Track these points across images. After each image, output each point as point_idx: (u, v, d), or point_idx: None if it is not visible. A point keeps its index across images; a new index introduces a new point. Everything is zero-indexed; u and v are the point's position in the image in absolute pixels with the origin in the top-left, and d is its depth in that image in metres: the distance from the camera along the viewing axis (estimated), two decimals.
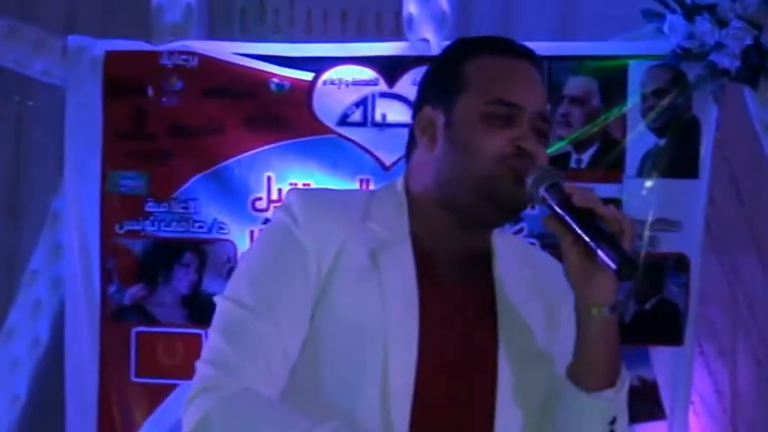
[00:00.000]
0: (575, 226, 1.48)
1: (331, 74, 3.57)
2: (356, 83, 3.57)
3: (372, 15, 3.69)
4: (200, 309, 3.56)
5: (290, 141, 3.57)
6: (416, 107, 1.70)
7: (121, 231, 3.61)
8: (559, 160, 3.40)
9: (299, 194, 1.64)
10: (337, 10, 3.71)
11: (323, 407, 1.55)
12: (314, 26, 3.73)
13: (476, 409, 1.60)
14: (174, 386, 3.55)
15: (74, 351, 3.57)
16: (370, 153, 3.56)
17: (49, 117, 3.69)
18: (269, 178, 3.60)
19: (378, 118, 3.55)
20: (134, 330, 3.58)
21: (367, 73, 3.55)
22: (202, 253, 3.61)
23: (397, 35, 3.59)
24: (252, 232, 3.60)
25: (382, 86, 3.56)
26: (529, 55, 1.65)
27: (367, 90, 3.56)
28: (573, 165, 3.47)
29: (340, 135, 3.57)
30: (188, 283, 3.62)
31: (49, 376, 3.54)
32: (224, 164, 3.59)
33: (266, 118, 3.57)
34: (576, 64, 3.48)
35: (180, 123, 3.65)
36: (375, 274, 1.57)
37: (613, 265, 1.44)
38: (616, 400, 1.55)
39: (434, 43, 3.52)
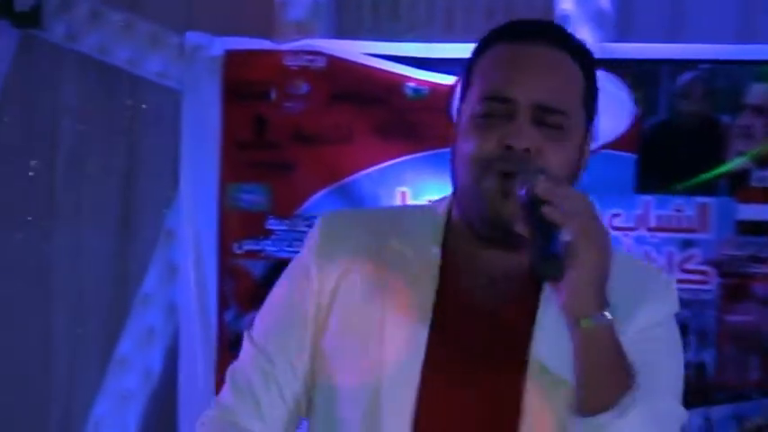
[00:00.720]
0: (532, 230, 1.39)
1: None
2: None
3: (522, 13, 3.42)
4: None
5: (426, 153, 3.42)
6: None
7: (240, 251, 3.55)
8: (738, 178, 3.19)
9: (323, 219, 1.61)
10: (482, 7, 3.54)
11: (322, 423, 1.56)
12: (455, 24, 3.57)
13: None
14: None
15: (188, 384, 3.51)
16: None
17: (164, 123, 3.64)
18: (403, 194, 3.47)
19: None
20: None
21: None
22: None
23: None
24: None
25: None
26: (543, 34, 1.51)
27: None
28: (755, 183, 3.22)
29: None
30: None
31: (161, 410, 3.50)
32: (352, 177, 3.50)
33: (400, 126, 3.47)
34: (758, 69, 3.25)
35: (304, 131, 3.57)
36: (380, 305, 1.51)
37: (530, 264, 1.36)
38: (613, 425, 1.39)
39: (593, 44, 3.28)
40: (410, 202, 3.41)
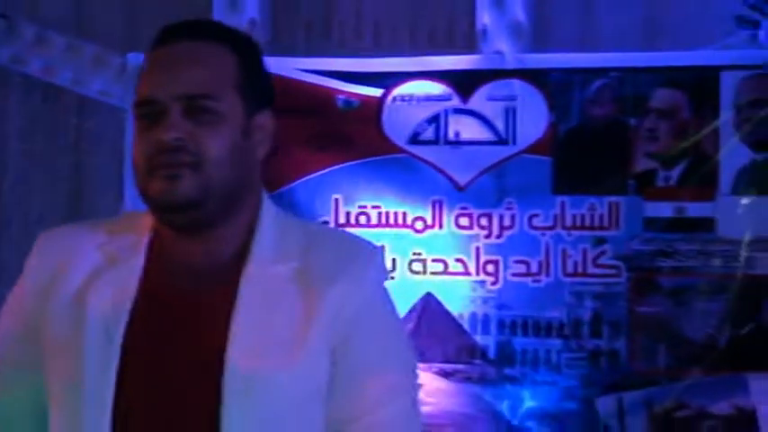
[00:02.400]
0: None
1: (401, 89, 3.40)
2: (428, 98, 3.40)
3: (443, 28, 3.52)
4: None
5: (358, 161, 3.40)
6: None
7: None
8: (645, 178, 3.19)
9: (39, 237, 1.56)
10: (407, 23, 3.55)
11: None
12: (382, 40, 3.58)
13: None
14: None
15: None
16: (444, 173, 3.37)
17: (108, 141, 3.61)
18: (336, 201, 3.44)
19: (451, 135, 3.37)
20: None
21: (439, 88, 3.37)
22: None
23: (470, 48, 3.43)
24: None
25: (455, 102, 3.37)
26: (185, 32, 1.48)
27: (439, 106, 3.38)
28: (661, 183, 3.22)
29: (411, 154, 3.39)
30: None
31: None
32: (288, 186, 3.44)
33: (333, 137, 3.42)
34: (662, 75, 3.24)
35: None
36: (78, 312, 1.45)
37: None
38: None
39: (509, 56, 3.35)
40: (343, 208, 3.39)
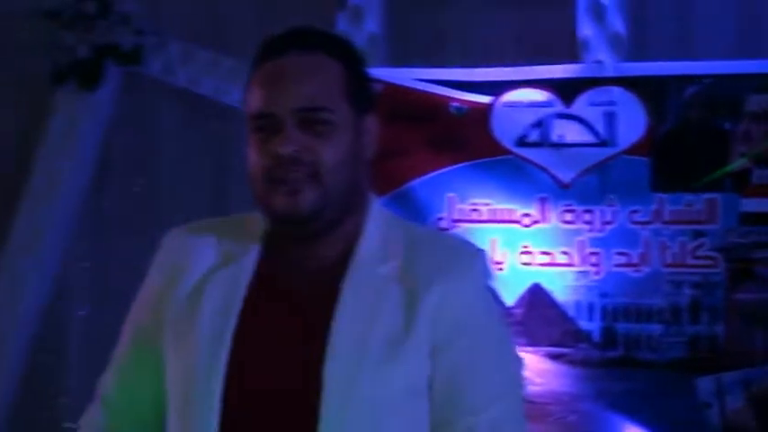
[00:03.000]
0: None
1: (508, 97, 3.41)
2: (533, 105, 3.40)
3: (547, 39, 3.50)
4: None
5: (470, 163, 3.42)
6: None
7: None
8: (741, 176, 3.18)
9: (165, 236, 1.55)
10: (512, 35, 3.55)
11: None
12: (491, 52, 3.55)
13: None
14: None
15: None
16: (549, 172, 3.37)
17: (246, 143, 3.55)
18: (450, 199, 3.45)
19: (555, 138, 3.37)
20: None
21: (543, 95, 3.38)
22: None
23: (572, 58, 3.42)
24: None
25: (559, 107, 3.37)
26: (292, 44, 1.43)
27: (543, 111, 3.39)
28: (755, 180, 3.20)
29: (519, 156, 3.39)
30: None
31: None
32: (408, 185, 3.46)
33: (447, 140, 3.44)
34: (757, 82, 3.20)
35: None
36: (198, 303, 1.44)
37: None
38: None
39: (609, 64, 3.37)
40: (457, 205, 3.40)
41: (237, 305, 1.42)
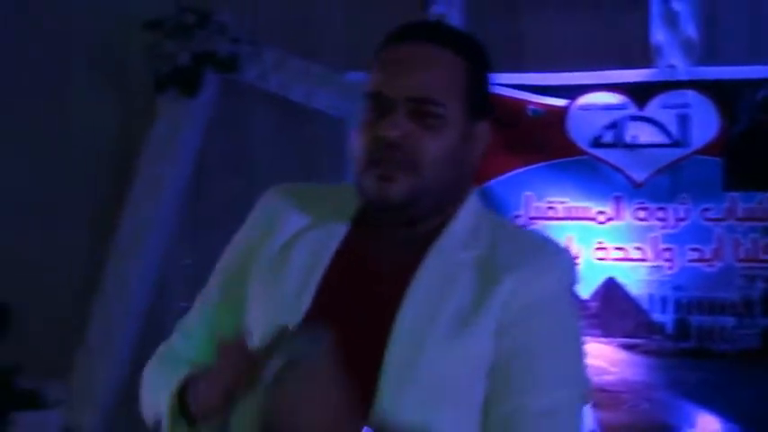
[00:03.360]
0: None
1: (584, 100, 3.43)
2: (607, 107, 3.42)
3: (621, 45, 3.50)
4: None
5: (546, 163, 3.45)
6: None
7: None
8: None
9: (266, 192, 1.52)
10: (588, 41, 3.55)
11: None
12: (566, 57, 3.55)
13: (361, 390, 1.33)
14: None
15: None
16: (622, 172, 3.39)
17: (333, 146, 3.65)
18: (527, 197, 3.47)
19: (629, 139, 3.39)
20: None
21: (617, 98, 3.40)
22: None
23: (644, 63, 3.43)
24: None
25: (632, 110, 3.38)
26: (423, 34, 1.39)
27: (618, 114, 3.40)
28: None
29: (593, 156, 3.41)
30: None
31: None
32: (488, 184, 3.47)
33: (525, 141, 3.47)
34: None
35: None
36: (286, 258, 1.42)
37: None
38: None
39: (682, 69, 3.37)
40: (534, 203, 3.41)
41: (323, 266, 1.40)
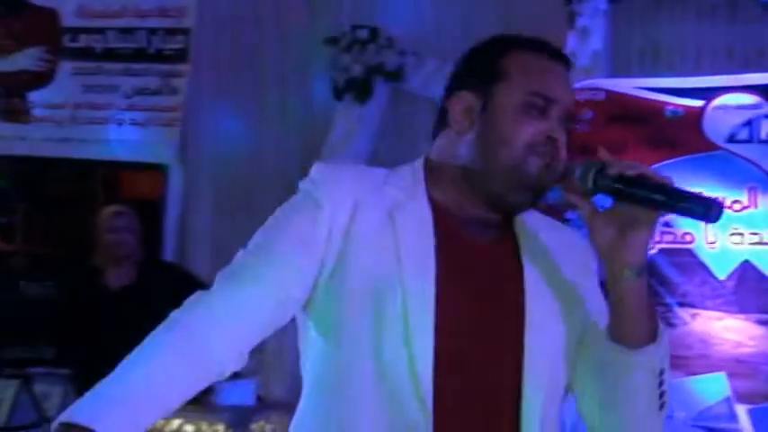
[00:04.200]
0: (647, 195, 1.31)
1: (719, 101, 3.49)
2: (741, 107, 3.47)
3: (755, 49, 3.57)
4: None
5: (683, 158, 3.51)
6: (450, 91, 1.48)
7: None
8: None
9: (320, 165, 1.48)
10: (723, 46, 3.62)
11: (349, 345, 1.37)
12: (702, 61, 3.66)
13: (503, 347, 1.39)
14: None
15: None
16: (757, 165, 3.45)
17: None
18: None
19: (763, 136, 3.44)
20: None
21: (751, 99, 3.46)
22: None
23: None
24: None
25: (765, 109, 3.44)
26: (563, 58, 1.47)
27: (752, 113, 3.45)
28: None
29: (728, 151, 3.48)
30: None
31: None
32: None
33: (662, 139, 3.54)
34: None
35: (589, 145, 3.52)
36: (392, 230, 1.39)
37: (702, 215, 1.28)
38: (658, 353, 1.36)
39: None
40: None
41: (431, 241, 1.39)
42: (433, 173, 1.45)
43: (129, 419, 1.22)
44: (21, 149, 4.35)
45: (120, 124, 4.28)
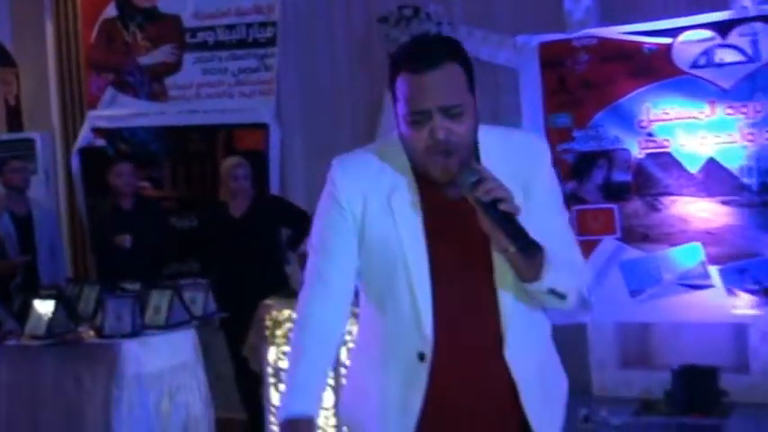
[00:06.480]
0: (494, 217, 1.44)
1: (683, 37, 3.71)
2: (700, 41, 3.68)
3: None
4: (609, 192, 3.86)
5: (659, 82, 3.73)
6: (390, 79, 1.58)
7: (560, 150, 3.90)
8: None
9: (336, 165, 1.61)
10: None
11: (375, 293, 1.59)
12: (669, 7, 3.84)
13: (481, 282, 1.55)
14: (597, 241, 3.86)
15: None
16: (715, 84, 3.68)
17: (511, 87, 4.08)
18: (646, 107, 3.77)
19: (716, 61, 3.66)
20: (573, 208, 3.92)
21: (708, 34, 3.67)
22: (610, 158, 3.88)
23: (724, 6, 3.70)
24: (639, 142, 3.77)
25: (718, 41, 3.65)
26: (433, 61, 1.48)
27: (709, 44, 3.66)
28: None
29: (693, 75, 3.69)
30: (601, 177, 3.92)
31: None
32: (618, 101, 3.80)
33: (643, 70, 3.77)
34: None
35: (588, 81, 3.87)
36: (390, 210, 1.56)
37: (521, 246, 1.45)
38: (543, 286, 1.50)
39: (752, 8, 3.62)
40: (652, 111, 3.62)
41: (418, 211, 1.54)
42: (406, 147, 1.55)
43: (316, 397, 1.54)
44: (162, 121, 4.69)
45: (231, 96, 4.58)
